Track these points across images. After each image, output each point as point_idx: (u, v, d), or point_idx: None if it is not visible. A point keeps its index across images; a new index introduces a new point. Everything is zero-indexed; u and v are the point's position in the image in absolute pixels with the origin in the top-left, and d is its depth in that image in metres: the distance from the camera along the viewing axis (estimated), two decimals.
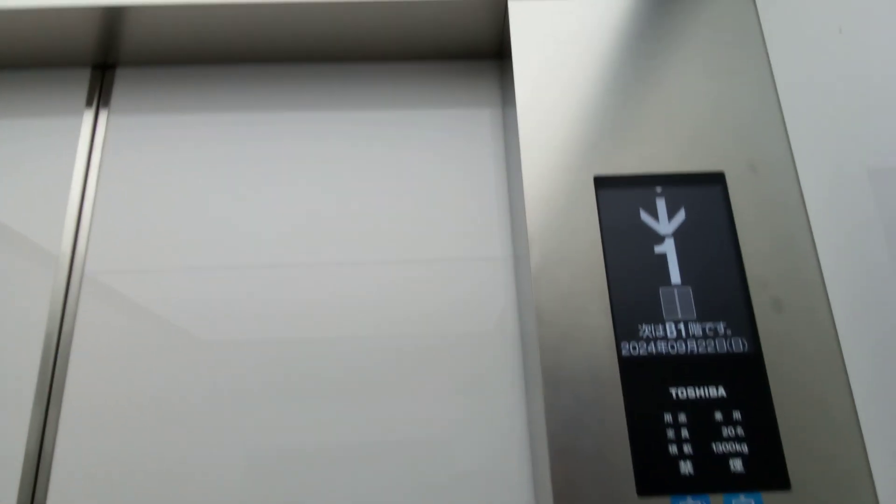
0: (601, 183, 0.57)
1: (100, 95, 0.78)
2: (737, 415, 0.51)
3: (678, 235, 0.56)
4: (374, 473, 0.61)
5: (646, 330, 0.53)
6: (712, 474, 0.49)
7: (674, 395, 0.51)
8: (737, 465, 0.49)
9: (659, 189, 0.57)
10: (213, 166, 0.74)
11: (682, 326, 0.53)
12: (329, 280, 0.68)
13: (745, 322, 0.53)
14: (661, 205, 0.57)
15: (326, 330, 0.66)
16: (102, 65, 0.79)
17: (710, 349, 0.52)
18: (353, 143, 0.75)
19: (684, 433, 0.50)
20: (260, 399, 0.64)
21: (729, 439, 0.50)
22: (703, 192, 0.57)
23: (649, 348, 0.53)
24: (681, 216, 0.57)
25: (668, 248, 0.55)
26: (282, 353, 0.65)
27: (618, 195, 0.57)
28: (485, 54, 0.76)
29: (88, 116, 0.77)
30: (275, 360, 0.65)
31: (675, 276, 0.55)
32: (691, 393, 0.51)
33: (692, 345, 0.53)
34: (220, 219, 0.72)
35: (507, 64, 0.69)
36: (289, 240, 0.70)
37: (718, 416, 0.51)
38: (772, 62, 0.60)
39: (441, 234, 0.70)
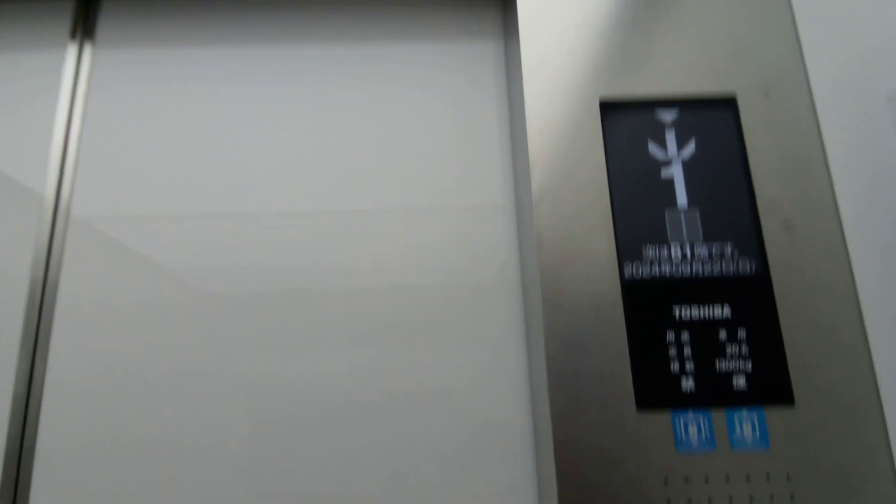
0: (607, 107, 0.56)
1: (84, 27, 0.76)
2: (741, 334, 0.51)
3: (686, 159, 0.55)
4: (377, 421, 0.61)
5: (650, 251, 0.53)
6: (714, 390, 0.50)
7: (677, 314, 0.51)
8: (740, 382, 0.50)
9: (667, 112, 0.56)
10: (205, 104, 0.72)
11: (687, 248, 0.53)
12: (325, 228, 0.67)
13: (753, 243, 0.53)
14: (669, 128, 0.56)
15: (322, 280, 0.65)
16: None
17: (715, 270, 0.52)
18: (351, 81, 0.73)
19: (687, 351, 0.50)
20: (256, 351, 0.63)
21: (733, 357, 0.50)
22: (714, 115, 0.56)
23: (653, 270, 0.52)
24: (690, 140, 0.56)
25: (675, 172, 0.55)
26: (277, 304, 0.65)
27: (624, 119, 0.56)
28: None
29: (72, 50, 0.75)
30: (271, 310, 0.64)
31: (682, 199, 0.54)
32: (695, 313, 0.51)
33: (697, 266, 0.52)
34: (212, 161, 0.70)
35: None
36: (283, 185, 0.69)
37: (723, 334, 0.51)
38: None
39: (441, 177, 0.68)
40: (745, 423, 0.49)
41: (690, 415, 0.49)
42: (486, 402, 0.60)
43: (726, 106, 0.56)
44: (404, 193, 0.68)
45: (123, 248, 0.67)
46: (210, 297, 0.65)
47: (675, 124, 0.56)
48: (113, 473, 0.59)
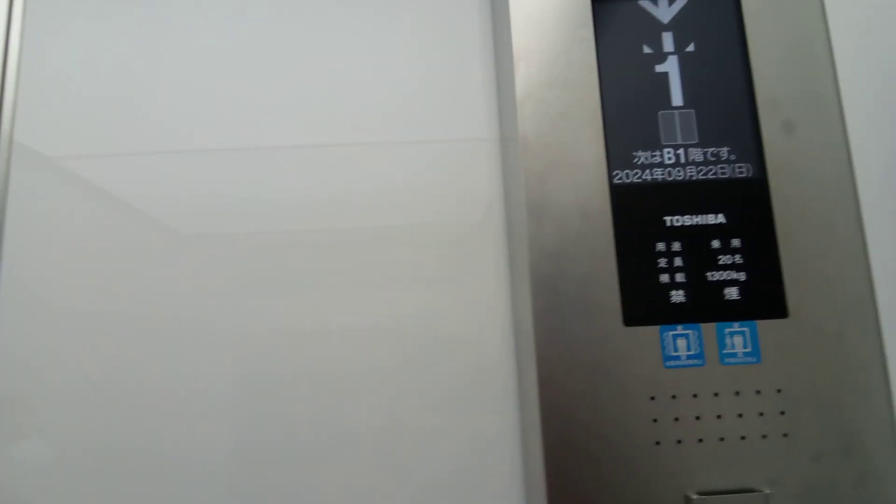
0: None
1: None
2: (735, 242, 0.48)
3: (683, 54, 0.51)
4: (361, 357, 0.58)
5: (641, 156, 0.49)
6: (705, 303, 0.47)
7: (668, 222, 0.48)
8: (732, 293, 0.47)
9: (662, 3, 0.51)
10: (166, 25, 0.65)
11: (681, 152, 0.49)
12: (300, 163, 0.62)
13: (751, 146, 0.49)
14: (664, 21, 0.51)
15: (300, 218, 0.61)
16: None
17: (710, 175, 0.49)
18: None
19: (677, 262, 0.47)
20: (234, 293, 0.59)
21: (725, 267, 0.47)
22: (713, 5, 0.51)
23: (644, 175, 0.49)
24: (687, 33, 0.51)
25: (670, 67, 0.50)
26: (254, 244, 0.60)
27: (616, 10, 0.51)
28: None
29: None
30: (248, 250, 0.60)
31: (677, 98, 0.50)
32: (687, 220, 0.48)
33: (691, 171, 0.49)
34: (179, 90, 0.63)
35: None
36: (254, 117, 0.63)
37: (715, 243, 0.48)
38: None
39: (424, 107, 0.63)
40: (736, 337, 0.47)
41: (679, 330, 0.47)
42: (473, 341, 0.58)
43: None
44: (387, 123, 0.63)
45: (80, 186, 0.62)
46: (183, 238, 0.60)
47: (671, 16, 0.51)
48: (86, 425, 0.56)
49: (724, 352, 0.46)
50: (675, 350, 0.46)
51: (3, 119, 0.63)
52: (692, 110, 0.50)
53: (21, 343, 0.58)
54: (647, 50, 0.50)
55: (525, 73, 0.49)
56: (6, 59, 0.65)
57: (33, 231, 0.61)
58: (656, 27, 0.51)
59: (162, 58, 0.64)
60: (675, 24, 0.51)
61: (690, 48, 0.50)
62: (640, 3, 0.51)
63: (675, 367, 0.46)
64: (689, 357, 0.46)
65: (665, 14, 0.51)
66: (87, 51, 0.65)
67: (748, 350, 0.46)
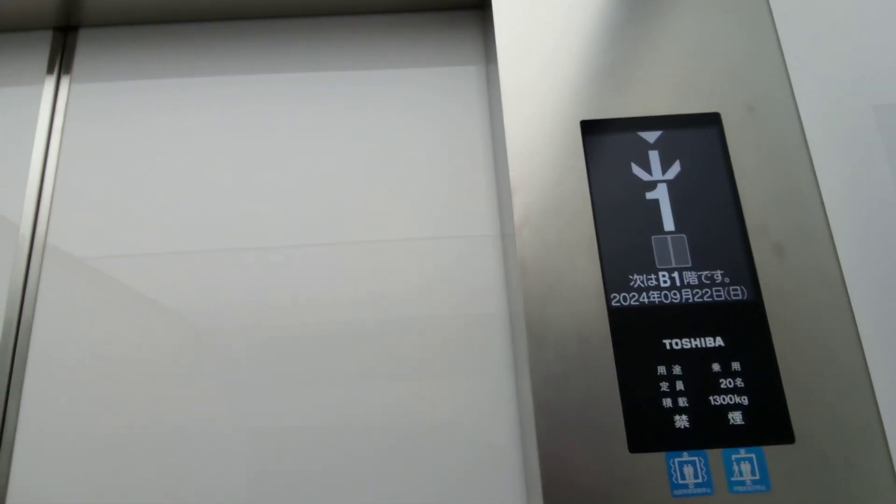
0: (588, 127, 0.55)
1: (62, 60, 0.76)
2: (736, 365, 0.49)
3: (671, 181, 0.54)
4: (375, 455, 0.59)
5: (637, 280, 0.51)
6: (710, 428, 0.47)
7: (668, 346, 0.49)
8: (736, 417, 0.47)
9: (650, 132, 0.55)
10: (187, 136, 0.72)
11: (676, 275, 0.51)
12: (313, 261, 0.66)
13: (744, 269, 0.51)
14: (652, 149, 0.55)
15: (310, 316, 0.64)
16: (65, 27, 0.76)
17: (706, 298, 0.50)
18: (336, 110, 0.72)
19: (679, 385, 0.48)
20: (250, 390, 0.61)
21: (727, 391, 0.48)
22: (698, 134, 0.55)
23: (641, 298, 0.50)
24: (674, 160, 0.55)
25: (660, 195, 0.53)
26: (265, 342, 0.63)
27: (606, 140, 0.55)
28: (465, 4, 0.74)
29: (50, 84, 0.75)
30: (260, 348, 0.63)
31: (669, 223, 0.52)
32: (686, 344, 0.49)
33: (687, 294, 0.51)
34: (196, 194, 0.69)
35: (488, 14, 0.67)
36: (267, 218, 0.68)
37: (716, 367, 0.49)
38: None
39: (428, 208, 0.67)
40: (744, 464, 0.47)
41: (686, 457, 0.47)
42: (479, 436, 0.58)
43: (710, 123, 0.55)
44: (393, 225, 0.66)
45: (104, 286, 0.65)
46: (201, 336, 0.63)
47: (659, 144, 0.55)
48: None
49: (733, 479, 0.46)
50: (683, 478, 0.46)
51: (38, 223, 0.68)
52: (684, 234, 0.52)
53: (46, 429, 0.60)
54: (637, 176, 0.54)
55: (522, 202, 0.53)
56: (44, 171, 0.71)
57: (61, 326, 0.64)
58: (647, 166, 0.55)
59: (181, 166, 0.70)
60: (664, 165, 0.55)
61: (678, 174, 0.54)
62: (629, 131, 0.55)
63: (684, 496, 0.46)
64: (696, 486, 0.46)
65: (654, 154, 0.55)
66: (115, 160, 0.71)
67: (757, 478, 0.46)
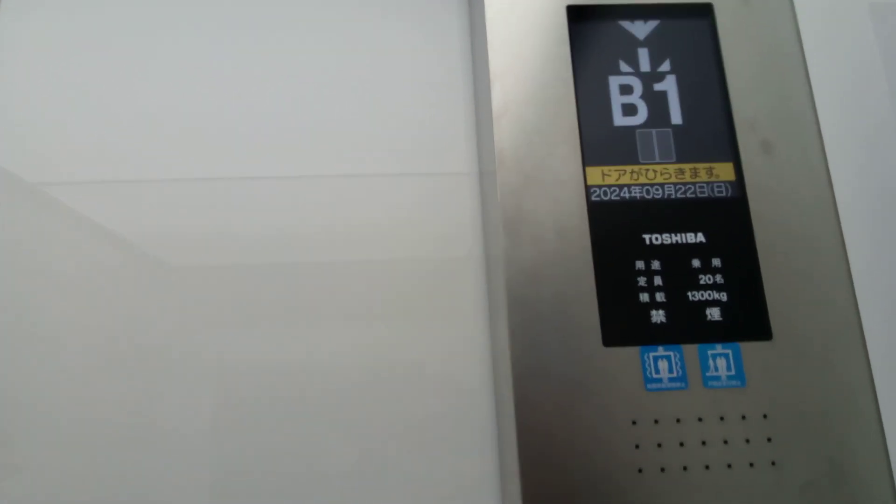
0: (574, 13, 0.52)
1: None
2: (716, 262, 0.48)
3: (659, 73, 0.52)
4: (338, 389, 0.57)
5: (619, 173, 0.49)
6: (687, 324, 0.46)
7: (647, 241, 0.48)
8: (714, 313, 0.47)
9: (639, 21, 0.53)
10: (154, 52, 0.65)
11: (659, 169, 0.50)
12: (282, 195, 0.62)
13: (729, 165, 0.50)
14: (641, 39, 0.53)
15: (279, 251, 0.61)
16: None
17: (689, 194, 0.49)
18: (304, 25, 0.68)
19: (657, 281, 0.47)
20: (215, 325, 0.58)
21: (706, 287, 0.47)
22: (689, 25, 0.53)
23: (622, 193, 0.49)
24: (663, 52, 0.52)
25: (647, 87, 0.51)
26: (232, 277, 0.60)
27: (592, 27, 0.52)
28: None
29: None
30: (227, 283, 0.59)
31: (654, 116, 0.51)
32: (667, 239, 0.48)
33: (670, 189, 0.49)
34: (158, 118, 0.63)
35: None
36: (234, 144, 0.63)
37: (696, 262, 0.48)
38: None
39: (398, 143, 0.64)
40: (720, 360, 0.47)
41: (661, 351, 0.47)
42: (452, 376, 0.57)
43: (702, 14, 0.52)
44: (365, 158, 0.63)
45: (57, 213, 0.60)
46: (163, 269, 0.59)
47: (648, 35, 0.52)
48: (64, 455, 0.54)
49: (707, 375, 0.46)
50: (657, 372, 0.46)
51: None
52: (669, 129, 0.51)
53: None
54: (623, 67, 0.52)
55: (501, 91, 0.50)
56: None
57: (11, 257, 0.60)
58: (634, 56, 0.53)
59: (144, 87, 0.64)
60: (652, 55, 0.53)
61: (666, 66, 0.52)
62: (618, 33, 0.53)
63: (657, 390, 0.46)
64: (671, 380, 0.46)
65: (643, 45, 0.53)
66: (69, 78, 0.64)
67: (732, 373, 0.46)
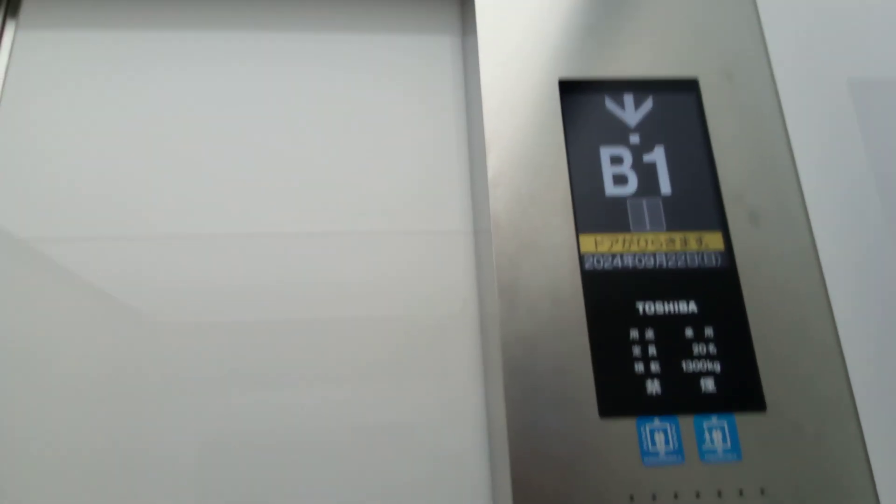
0: (566, 87, 0.55)
1: (8, 5, 0.72)
2: (709, 331, 0.48)
3: (648, 144, 0.54)
4: (325, 451, 0.56)
5: (612, 242, 0.50)
6: (681, 394, 0.46)
7: (641, 309, 0.49)
8: (708, 384, 0.47)
9: (628, 94, 0.55)
10: (140, 98, 0.67)
11: (650, 238, 0.51)
12: (277, 251, 0.62)
13: (719, 235, 0.51)
14: (630, 112, 0.55)
15: (273, 309, 0.60)
16: None
17: (680, 263, 0.50)
18: (307, 77, 0.69)
19: (651, 350, 0.47)
20: (204, 384, 0.57)
21: (700, 357, 0.48)
22: (676, 99, 0.55)
23: (615, 261, 0.50)
24: (651, 124, 0.54)
25: (637, 158, 0.53)
26: (225, 334, 0.59)
27: (583, 100, 0.54)
28: None
29: None
30: (219, 341, 0.59)
31: (644, 186, 0.52)
32: (660, 308, 0.49)
33: (661, 258, 0.50)
34: (158, 174, 0.64)
35: None
36: (230, 200, 0.63)
37: (689, 332, 0.48)
38: None
39: (394, 202, 0.64)
40: (716, 432, 0.46)
41: (657, 423, 0.46)
42: (444, 436, 0.56)
43: (688, 89, 0.55)
44: (359, 216, 0.63)
45: (48, 269, 0.60)
46: (155, 326, 0.58)
47: (637, 107, 0.55)
48: None
49: (704, 448, 0.46)
50: (654, 445, 0.46)
51: None
52: (658, 199, 0.52)
53: None
54: (614, 138, 0.54)
55: (496, 158, 0.52)
56: None
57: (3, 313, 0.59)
58: (623, 129, 0.55)
59: (144, 142, 0.65)
60: (641, 127, 0.55)
61: (655, 138, 0.54)
62: (608, 107, 0.55)
63: (655, 464, 0.45)
64: (668, 453, 0.45)
65: (631, 119, 0.55)
66: (66, 133, 0.65)
67: (728, 446, 0.46)
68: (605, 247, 0.50)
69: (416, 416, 0.57)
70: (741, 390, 0.47)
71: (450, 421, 0.57)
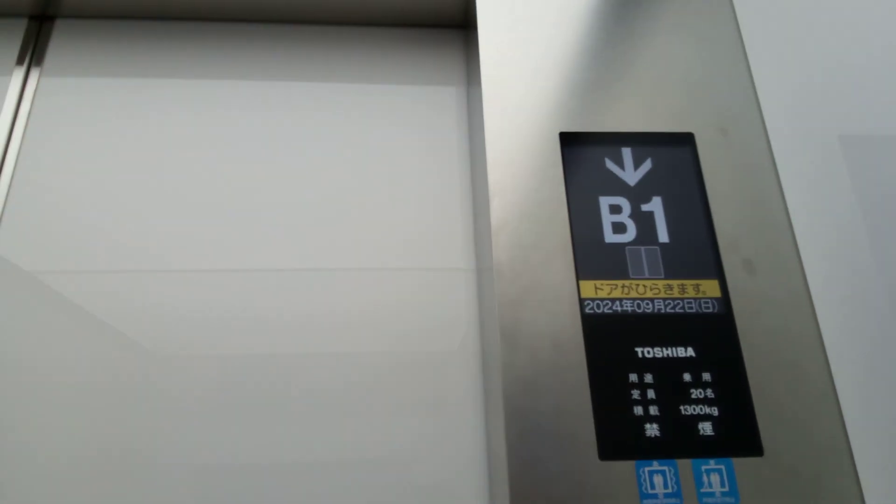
0: (567, 139, 0.58)
1: (34, 51, 0.76)
2: (706, 376, 0.50)
3: (646, 196, 0.57)
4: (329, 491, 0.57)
5: (611, 288, 0.53)
6: (680, 438, 0.48)
7: (640, 354, 0.51)
8: (706, 428, 0.49)
9: (627, 147, 0.58)
10: (153, 143, 0.70)
11: (648, 285, 0.53)
12: (278, 287, 0.65)
13: (715, 283, 0.53)
14: (628, 164, 0.58)
15: (273, 343, 0.62)
16: (41, 16, 0.76)
17: (678, 309, 0.52)
18: (310, 122, 0.73)
19: (650, 394, 0.49)
20: (203, 416, 0.59)
21: (697, 401, 0.49)
22: (673, 152, 0.58)
23: (614, 306, 0.52)
24: (649, 176, 0.57)
25: (635, 208, 0.56)
26: (223, 368, 0.61)
27: (584, 152, 0.58)
28: (449, 22, 0.77)
29: (18, 76, 0.74)
30: (217, 375, 0.61)
31: (643, 235, 0.55)
32: (658, 353, 0.51)
33: (659, 304, 0.52)
34: (155, 209, 0.67)
35: (472, 34, 0.70)
36: (236, 239, 0.66)
37: (687, 376, 0.50)
38: (741, 27, 0.63)
39: (402, 238, 0.67)
40: (714, 475, 0.48)
41: (656, 466, 0.48)
42: (442, 472, 0.57)
43: (684, 143, 0.58)
44: (362, 252, 0.66)
45: (54, 303, 0.62)
46: (151, 360, 0.60)
47: (635, 160, 0.58)
48: None
49: (702, 491, 0.47)
50: (653, 488, 0.47)
51: None
52: (657, 247, 0.55)
53: None
54: (613, 189, 0.57)
55: (499, 206, 0.55)
56: (0, 171, 0.69)
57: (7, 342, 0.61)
58: (621, 167, 0.58)
59: (154, 182, 0.68)
60: (639, 179, 0.58)
61: (653, 189, 0.57)
62: (606, 145, 0.59)
63: None
64: (666, 496, 0.47)
65: (630, 178, 0.58)
66: (82, 171, 0.68)
67: (726, 489, 0.47)
68: (605, 292, 0.53)
69: (414, 451, 0.58)
70: (738, 434, 0.48)
71: (448, 457, 0.58)
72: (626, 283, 0.53)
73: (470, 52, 0.72)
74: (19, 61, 0.75)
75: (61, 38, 0.77)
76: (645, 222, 0.55)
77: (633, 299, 0.53)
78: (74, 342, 0.61)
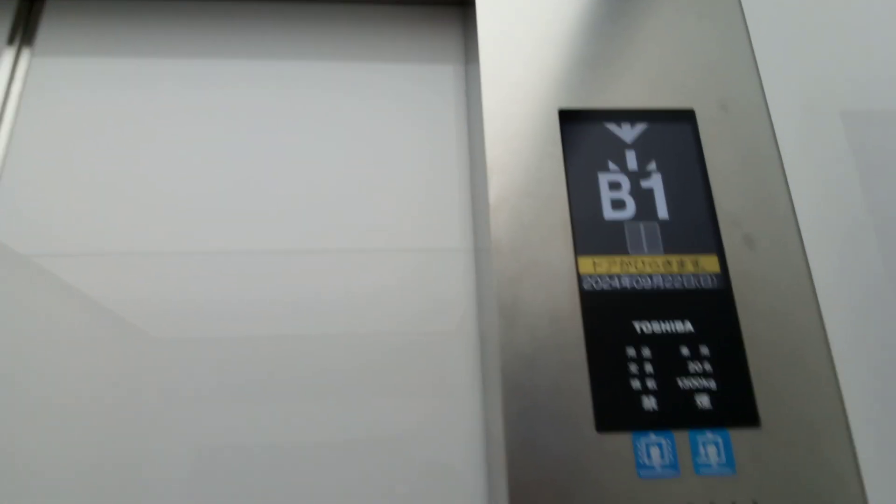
0: (566, 116, 0.60)
1: (24, 31, 0.77)
2: (704, 350, 0.52)
3: (646, 171, 0.59)
4: (327, 471, 0.59)
5: (609, 264, 0.55)
6: (677, 410, 0.51)
7: (638, 329, 0.53)
8: (703, 401, 0.51)
9: (626, 123, 0.60)
10: (148, 122, 0.72)
11: (647, 261, 0.55)
12: (276, 268, 0.66)
13: (714, 258, 0.56)
14: (628, 140, 0.60)
15: (271, 324, 0.64)
16: None
17: (676, 285, 0.55)
18: (307, 102, 0.74)
19: (648, 368, 0.52)
20: (203, 399, 0.61)
21: (695, 375, 0.52)
22: (673, 128, 0.60)
23: (613, 283, 0.54)
24: (649, 152, 0.59)
25: (634, 183, 0.58)
26: (221, 349, 0.63)
27: (583, 129, 0.60)
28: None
29: (8, 56, 0.76)
30: (215, 356, 0.63)
31: (642, 211, 0.57)
32: (656, 328, 0.53)
33: (658, 280, 0.55)
34: (149, 189, 0.69)
35: (470, 11, 0.72)
36: (230, 219, 0.68)
37: (685, 350, 0.52)
38: (743, 1, 0.65)
39: (400, 218, 0.69)
40: (710, 446, 0.50)
41: (652, 437, 0.50)
42: (442, 450, 0.60)
43: (685, 119, 0.60)
44: (361, 232, 0.68)
45: (48, 285, 0.64)
46: (149, 341, 0.63)
47: (635, 136, 0.60)
48: None
49: (699, 461, 0.50)
50: (649, 459, 0.50)
51: None
52: (655, 223, 0.57)
53: None
54: (612, 165, 0.59)
55: (498, 183, 0.57)
56: None
57: (2, 325, 0.63)
58: (621, 156, 0.60)
59: (149, 162, 0.70)
60: (639, 157, 0.60)
61: (652, 165, 0.59)
62: (606, 121, 0.61)
63: (650, 477, 0.49)
64: (663, 467, 0.49)
65: (630, 154, 0.60)
66: (63, 154, 0.70)
67: (722, 461, 0.50)
68: (604, 268, 0.55)
69: (413, 429, 0.61)
70: (735, 406, 0.51)
71: (447, 434, 0.60)
72: (625, 259, 0.55)
73: (468, 29, 0.74)
74: (10, 41, 0.77)
75: (52, 18, 0.78)
76: (644, 199, 0.57)
77: (632, 275, 0.55)
78: (72, 326, 0.63)
